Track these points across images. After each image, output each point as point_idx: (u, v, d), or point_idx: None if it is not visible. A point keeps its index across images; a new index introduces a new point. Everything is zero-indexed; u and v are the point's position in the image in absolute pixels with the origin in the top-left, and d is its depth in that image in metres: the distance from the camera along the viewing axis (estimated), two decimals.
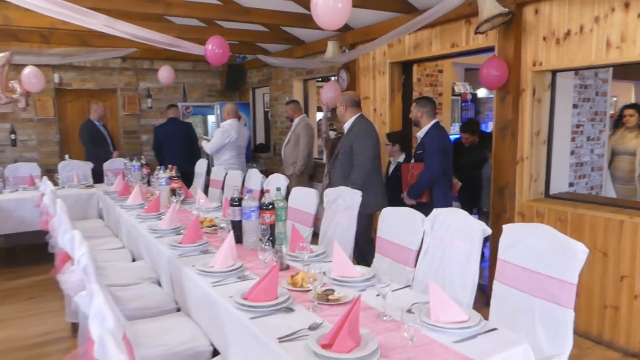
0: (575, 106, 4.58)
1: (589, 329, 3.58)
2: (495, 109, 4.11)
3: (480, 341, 1.72)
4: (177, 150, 6.44)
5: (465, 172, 5.08)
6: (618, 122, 5.22)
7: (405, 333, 1.55)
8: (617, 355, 3.41)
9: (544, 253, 2.07)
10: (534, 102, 3.90)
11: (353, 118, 4.16)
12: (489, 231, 2.39)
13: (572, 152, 4.65)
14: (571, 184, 4.67)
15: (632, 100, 9.91)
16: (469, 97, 9.52)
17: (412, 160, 4.25)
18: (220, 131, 6.05)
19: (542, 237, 2.11)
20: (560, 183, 4.21)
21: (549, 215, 3.78)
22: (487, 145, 4.62)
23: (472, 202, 5.08)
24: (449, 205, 3.93)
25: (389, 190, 4.57)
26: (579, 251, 1.94)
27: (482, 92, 9.45)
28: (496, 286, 2.25)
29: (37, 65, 5.80)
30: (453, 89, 9.02)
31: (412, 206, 3.76)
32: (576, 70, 4.09)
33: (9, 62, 5.10)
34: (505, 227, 2.28)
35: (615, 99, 9.42)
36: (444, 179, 4.00)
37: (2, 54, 5.03)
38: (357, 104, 4.23)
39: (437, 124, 4.10)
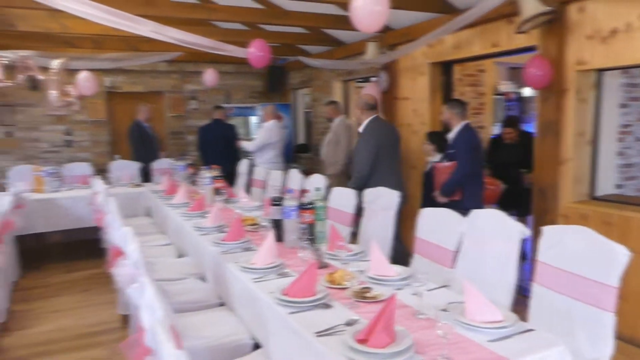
0: (623, 105, 4.43)
1: (636, 335, 3.48)
2: (537, 110, 4.05)
3: (516, 341, 1.74)
4: (218, 150, 6.65)
5: (501, 170, 5.01)
6: None
7: (438, 330, 1.59)
8: None
9: (583, 255, 2.06)
10: (578, 102, 3.82)
11: (366, 121, 4.38)
12: (527, 232, 2.39)
13: (620, 153, 4.50)
14: (619, 186, 4.52)
15: None
16: (514, 96, 9.33)
17: (444, 160, 4.31)
18: (264, 130, 6.30)
19: (581, 239, 2.10)
20: (606, 185, 4.10)
21: (594, 218, 3.69)
22: (527, 146, 4.57)
23: (509, 203, 4.98)
24: (479, 204, 3.96)
25: (425, 189, 4.62)
26: (620, 253, 1.93)
27: (527, 91, 9.23)
28: (535, 288, 2.25)
29: (90, 70, 6.11)
30: (497, 88, 8.86)
31: (444, 204, 3.81)
32: (622, 69, 3.97)
33: (65, 68, 5.40)
34: (544, 229, 2.27)
35: None
36: (473, 178, 4.05)
37: (59, 60, 5.32)
38: (372, 107, 4.42)
39: (467, 125, 4.15)
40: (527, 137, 5.14)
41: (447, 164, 4.18)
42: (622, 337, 3.30)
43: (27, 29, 5.36)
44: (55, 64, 5.28)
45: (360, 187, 3.85)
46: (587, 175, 3.95)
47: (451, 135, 4.18)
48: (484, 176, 4.94)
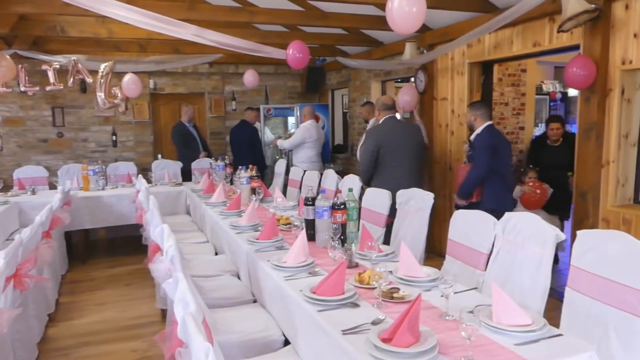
0: None
1: None
2: (579, 110, 3.94)
3: (543, 345, 1.71)
4: (242, 151, 6.82)
5: (547, 173, 4.88)
6: None
7: (462, 332, 1.59)
8: None
9: (620, 261, 1.99)
10: (623, 102, 3.69)
11: (381, 121, 4.49)
12: (562, 236, 2.33)
13: None
14: None
15: None
16: (559, 96, 9.05)
17: (465, 162, 4.26)
18: (301, 129, 6.38)
19: (618, 244, 2.03)
20: None
21: (637, 223, 3.55)
22: (572, 147, 4.43)
23: (554, 207, 4.84)
24: (504, 205, 3.85)
25: None
26: None
27: (573, 91, 8.94)
28: (568, 293, 2.20)
29: (135, 73, 6.34)
30: (541, 88, 8.62)
31: (464, 207, 3.82)
32: None
33: (112, 71, 5.62)
34: (579, 233, 2.21)
35: None
36: (495, 179, 3.95)
37: (106, 63, 5.55)
38: (389, 107, 4.50)
39: (490, 125, 4.09)
40: (572, 137, 4.99)
41: (465, 165, 4.14)
42: None
43: (77, 35, 5.64)
44: (103, 67, 5.51)
45: (365, 184, 4.01)
46: (631, 178, 3.80)
47: (473, 137, 4.15)
48: (531, 178, 4.82)
